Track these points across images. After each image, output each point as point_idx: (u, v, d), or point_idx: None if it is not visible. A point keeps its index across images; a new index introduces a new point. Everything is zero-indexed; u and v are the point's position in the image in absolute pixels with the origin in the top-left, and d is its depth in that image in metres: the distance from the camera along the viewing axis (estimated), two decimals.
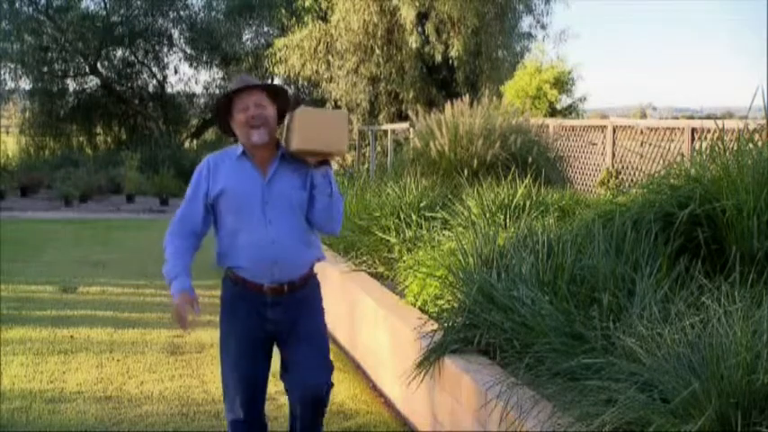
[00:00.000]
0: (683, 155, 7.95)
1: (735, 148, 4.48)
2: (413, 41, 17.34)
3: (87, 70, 25.85)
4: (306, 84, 22.37)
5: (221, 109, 3.59)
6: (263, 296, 3.56)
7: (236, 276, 3.59)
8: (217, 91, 27.69)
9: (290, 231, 3.53)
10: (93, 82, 26.48)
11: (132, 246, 11.99)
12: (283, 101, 3.62)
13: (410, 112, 10.21)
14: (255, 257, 3.51)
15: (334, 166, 5.99)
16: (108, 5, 25.50)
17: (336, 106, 18.18)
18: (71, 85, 26.31)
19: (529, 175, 6.83)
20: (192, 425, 4.77)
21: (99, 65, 25.93)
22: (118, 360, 6.04)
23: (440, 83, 18.72)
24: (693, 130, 8.54)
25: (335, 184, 3.55)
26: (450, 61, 17.66)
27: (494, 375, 3.63)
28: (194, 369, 5.83)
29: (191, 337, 6.72)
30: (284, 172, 3.56)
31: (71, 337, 6.67)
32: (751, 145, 4.47)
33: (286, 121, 3.59)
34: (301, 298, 3.62)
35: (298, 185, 3.55)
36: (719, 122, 5.67)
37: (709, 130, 7.86)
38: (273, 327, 3.60)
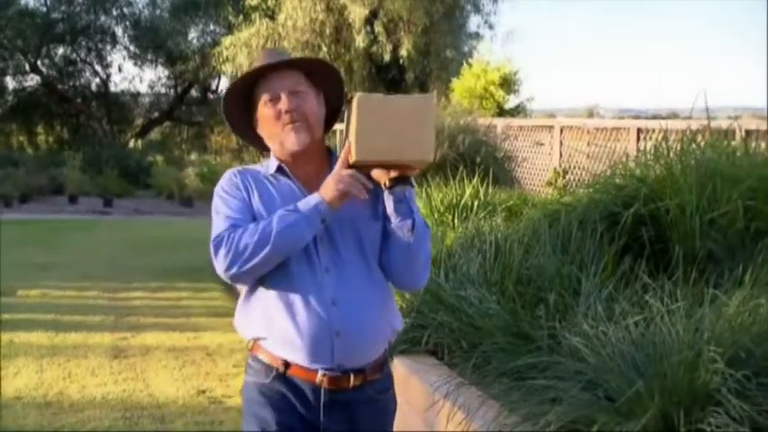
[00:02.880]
0: (627, 155, 8.08)
1: (678, 148, 4.56)
2: (361, 40, 17.33)
3: (27, 68, 25.39)
4: None
5: (234, 99, 2.35)
6: (314, 390, 2.23)
7: (271, 356, 2.25)
8: (162, 90, 27.38)
9: (359, 284, 2.25)
10: (33, 80, 26.09)
11: (75, 248, 11.74)
12: (332, 83, 2.40)
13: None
14: (306, 327, 2.19)
15: None
16: (48, 2, 25.02)
17: None
18: (10, 83, 25.92)
19: (477, 175, 6.86)
20: (136, 429, 4.68)
21: (39, 63, 25.48)
22: (59, 364, 5.89)
23: (389, 82, 18.72)
24: (639, 131, 8.69)
25: (418, 211, 2.30)
26: (402, 61, 17.69)
27: (441, 376, 3.62)
28: (138, 372, 5.71)
29: (135, 339, 6.61)
30: None
31: (10, 341, 6.48)
32: (694, 145, 4.55)
33: (344, 117, 2.34)
34: (373, 399, 2.31)
35: (367, 213, 2.29)
36: (664, 123, 5.77)
37: (654, 131, 7.99)
38: None
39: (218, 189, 2.34)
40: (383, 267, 2.31)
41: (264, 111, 2.29)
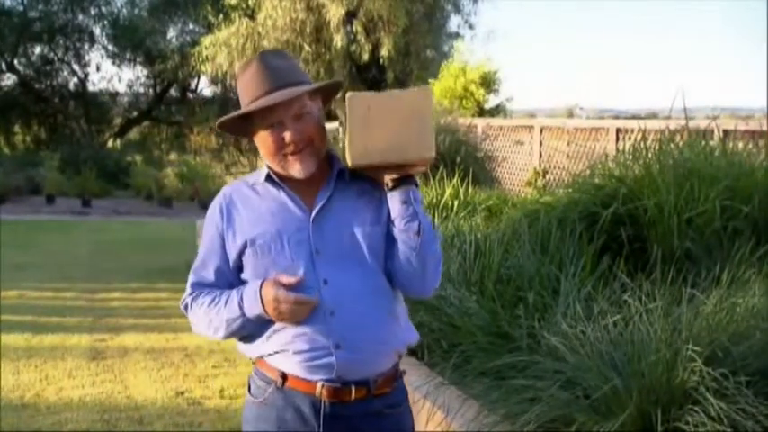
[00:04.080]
0: (607, 155, 8.13)
1: (657, 148, 4.59)
2: (339, 39, 17.30)
3: (4, 67, 25.14)
4: (234, 82, 22.12)
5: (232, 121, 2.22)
6: (313, 402, 2.11)
7: (270, 368, 2.16)
8: (141, 89, 27.17)
9: (360, 295, 2.11)
10: (10, 80, 25.81)
11: (53, 248, 11.63)
12: (330, 88, 2.33)
13: (339, 112, 10.17)
14: (304, 339, 2.09)
15: None
16: (25, 1, 24.78)
17: None
18: None
19: (457, 175, 6.87)
20: (114, 431, 4.63)
21: (16, 62, 25.25)
22: (36, 366, 5.83)
23: (369, 82, 18.71)
24: (618, 131, 8.74)
25: (424, 212, 2.17)
26: (382, 61, 17.69)
27: (421, 375, 3.62)
28: (117, 374, 5.67)
29: (113, 341, 6.55)
30: (343, 198, 2.16)
31: None
32: (672, 145, 4.58)
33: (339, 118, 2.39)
34: (382, 414, 2.16)
35: (368, 218, 2.16)
36: (642, 123, 5.81)
37: (633, 131, 8.04)
38: None
39: (208, 212, 2.26)
40: (390, 274, 2.16)
41: (265, 134, 2.13)
